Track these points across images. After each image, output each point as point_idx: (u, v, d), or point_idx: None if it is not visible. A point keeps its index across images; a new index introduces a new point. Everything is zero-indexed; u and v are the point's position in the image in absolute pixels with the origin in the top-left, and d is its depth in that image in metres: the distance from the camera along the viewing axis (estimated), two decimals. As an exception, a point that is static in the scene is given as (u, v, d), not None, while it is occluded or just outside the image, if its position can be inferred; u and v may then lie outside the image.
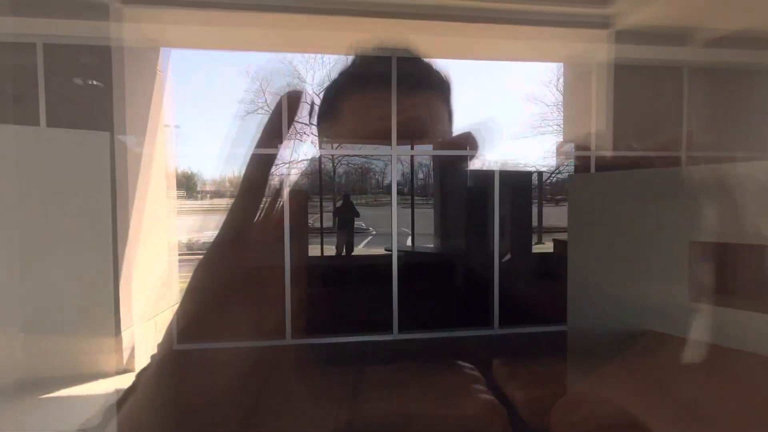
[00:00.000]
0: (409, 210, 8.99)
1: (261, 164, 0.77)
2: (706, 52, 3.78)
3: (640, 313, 2.35)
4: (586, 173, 3.96)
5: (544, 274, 6.21)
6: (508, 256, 6.39)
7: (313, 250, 8.26)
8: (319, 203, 9.10)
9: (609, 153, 3.83)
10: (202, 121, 5.82)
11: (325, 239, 8.79)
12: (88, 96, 4.04)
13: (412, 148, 8.46)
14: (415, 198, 9.54)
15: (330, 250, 8.47)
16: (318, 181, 9.69)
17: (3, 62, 3.22)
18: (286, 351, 3.32)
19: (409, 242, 8.82)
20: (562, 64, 4.15)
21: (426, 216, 9.56)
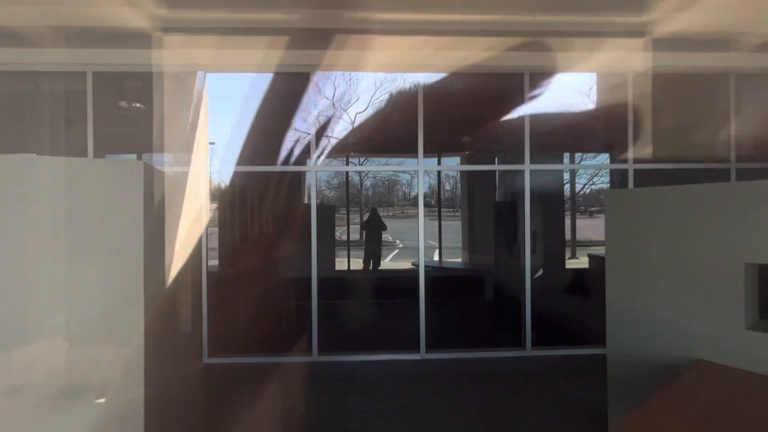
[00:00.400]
0: (436, 222, 8.91)
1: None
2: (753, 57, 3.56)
3: (689, 340, 2.17)
4: (625, 188, 3.76)
5: (578, 291, 5.90)
6: (540, 272, 6.16)
7: (340, 264, 8.33)
8: (346, 216, 9.21)
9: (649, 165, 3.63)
10: (236, 138, 6.04)
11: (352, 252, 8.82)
12: (131, 117, 4.35)
13: (439, 163, 8.43)
14: (443, 210, 9.45)
15: (357, 264, 8.49)
16: (345, 194, 9.85)
17: (57, 89, 3.53)
18: (314, 367, 3.29)
19: (436, 256, 8.70)
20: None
21: (454, 229, 9.42)
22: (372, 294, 6.67)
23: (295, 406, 2.84)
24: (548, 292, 5.75)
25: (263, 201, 7.16)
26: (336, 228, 8.59)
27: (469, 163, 8.34)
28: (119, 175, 1.18)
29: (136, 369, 1.22)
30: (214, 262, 5.30)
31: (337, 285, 7.27)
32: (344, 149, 8.03)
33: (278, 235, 7.57)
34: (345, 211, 9.22)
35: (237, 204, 6.06)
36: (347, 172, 9.07)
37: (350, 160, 8.31)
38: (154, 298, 1.35)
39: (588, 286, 5.65)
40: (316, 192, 3.54)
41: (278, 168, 5.67)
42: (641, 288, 2.27)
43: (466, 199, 8.89)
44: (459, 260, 8.79)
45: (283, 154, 7.86)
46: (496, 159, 8.48)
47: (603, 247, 2.55)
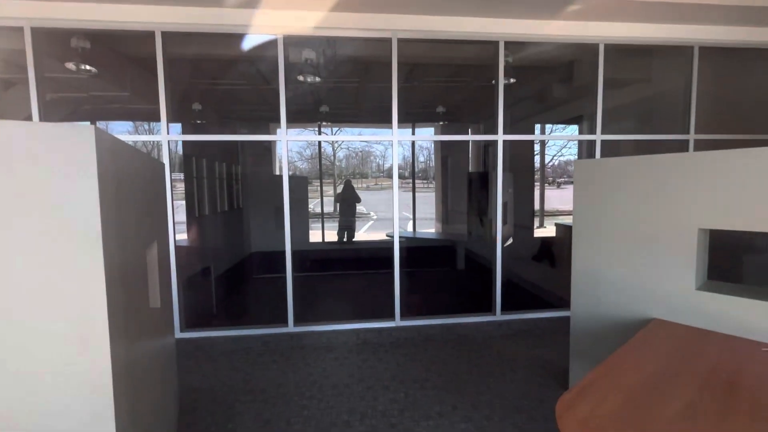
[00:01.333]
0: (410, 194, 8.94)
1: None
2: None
3: (645, 301, 2.32)
4: (592, 158, 3.86)
5: (546, 259, 6.17)
6: (510, 241, 6.37)
7: (315, 236, 8.26)
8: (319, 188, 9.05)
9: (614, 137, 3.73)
10: (202, 105, 5.71)
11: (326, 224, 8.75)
12: (80, 81, 4.02)
13: (413, 133, 8.34)
14: (417, 182, 9.47)
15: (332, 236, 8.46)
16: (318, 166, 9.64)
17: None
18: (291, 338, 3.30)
19: (410, 227, 8.80)
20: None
21: (428, 200, 9.51)
22: (347, 265, 6.71)
23: (273, 375, 2.88)
24: (518, 260, 5.99)
25: (233, 172, 6.90)
26: (310, 200, 8.48)
27: (443, 133, 8.33)
28: (68, 141, 1.08)
29: (101, 344, 1.17)
30: (183, 236, 5.12)
31: (312, 257, 7.26)
32: (316, 119, 7.79)
33: (249, 207, 7.37)
34: (318, 183, 9.06)
35: (204, 175, 5.81)
36: (319, 143, 8.84)
37: (322, 130, 8.08)
38: (116, 272, 1.28)
39: (555, 253, 5.91)
40: (288, 163, 3.42)
41: (247, 137, 5.44)
42: (604, 253, 2.40)
43: (441, 170, 8.94)
44: (433, 230, 8.94)
45: (251, 122, 7.54)
46: (469, 130, 8.51)
47: (569, 217, 2.64)
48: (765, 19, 3.51)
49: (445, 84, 5.53)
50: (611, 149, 3.78)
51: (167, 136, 3.23)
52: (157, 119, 3.23)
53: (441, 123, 8.24)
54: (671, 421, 1.17)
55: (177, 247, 3.37)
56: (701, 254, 2.06)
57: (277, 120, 3.32)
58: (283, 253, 3.37)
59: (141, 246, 1.66)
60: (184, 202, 5.42)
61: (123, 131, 5.91)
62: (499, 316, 3.66)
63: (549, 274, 5.42)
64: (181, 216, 5.39)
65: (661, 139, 3.83)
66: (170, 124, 3.27)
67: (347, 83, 5.35)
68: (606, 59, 3.61)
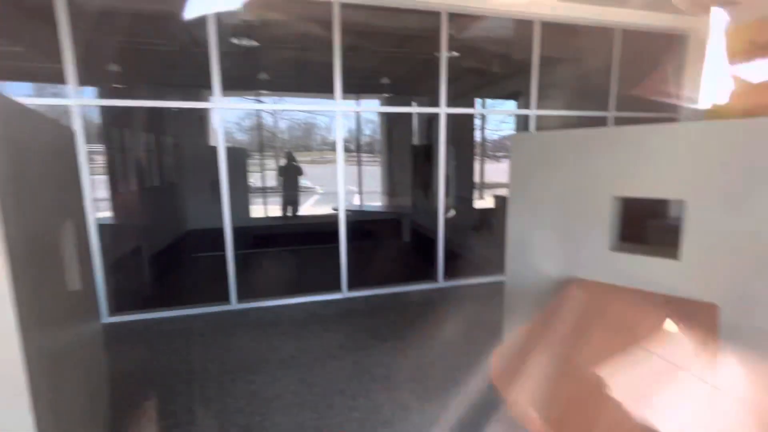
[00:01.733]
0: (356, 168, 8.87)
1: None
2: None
3: (567, 262, 2.55)
4: (527, 132, 4.08)
5: (486, 228, 6.53)
6: (452, 212, 6.64)
7: (258, 211, 7.94)
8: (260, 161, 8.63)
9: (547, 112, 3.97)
10: (124, 67, 5.06)
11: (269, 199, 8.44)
12: None
13: (357, 103, 8.19)
14: (362, 155, 9.39)
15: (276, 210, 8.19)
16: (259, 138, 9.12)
17: None
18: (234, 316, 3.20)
19: (357, 200, 8.79)
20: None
21: (373, 173, 9.51)
22: (292, 240, 6.59)
23: (216, 354, 2.80)
24: (460, 230, 6.29)
25: (163, 143, 6.32)
26: (251, 174, 8.08)
27: (388, 106, 8.27)
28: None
29: (8, 330, 1.05)
30: (107, 214, 4.65)
31: (255, 233, 7.01)
32: (255, 87, 7.32)
33: (184, 181, 6.85)
34: (259, 156, 8.64)
35: (130, 147, 5.26)
36: (259, 112, 8.37)
37: (261, 99, 7.63)
38: (20, 250, 1.14)
39: (493, 223, 6.29)
40: (225, 134, 3.20)
41: (175, 104, 4.97)
42: (534, 220, 2.59)
43: (385, 143, 8.94)
44: (379, 204, 9.03)
45: (182, 89, 6.89)
46: (414, 103, 8.55)
47: (506, 189, 2.79)
48: (677, 9, 3.87)
49: (389, 55, 5.44)
50: (545, 124, 4.03)
51: (77, 100, 2.85)
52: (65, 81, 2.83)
53: (386, 95, 8.17)
54: (587, 362, 1.34)
55: (100, 226, 3.06)
56: (614, 220, 2.31)
57: (211, 86, 3.07)
58: (221, 229, 3.21)
59: (51, 223, 1.48)
60: (107, 177, 4.89)
61: (24, 95, 5.09)
62: (441, 283, 3.85)
63: (488, 243, 5.77)
64: (104, 192, 4.87)
65: (587, 115, 4.15)
66: (83, 88, 2.88)
67: (287, 49, 5.05)
68: (541, 37, 3.77)
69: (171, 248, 5.87)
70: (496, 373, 1.29)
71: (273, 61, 5.75)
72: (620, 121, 4.15)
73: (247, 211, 7.52)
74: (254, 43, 4.50)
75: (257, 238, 6.69)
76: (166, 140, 6.51)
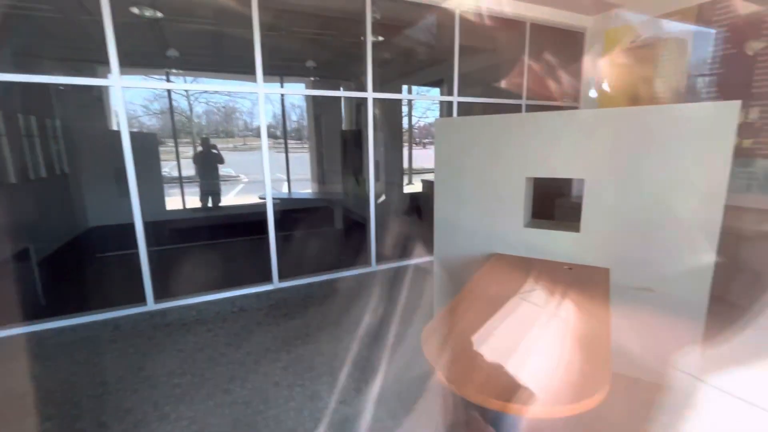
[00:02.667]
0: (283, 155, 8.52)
1: None
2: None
3: (488, 239, 2.75)
4: (450, 117, 4.25)
5: (415, 212, 6.75)
6: (382, 197, 6.74)
7: (174, 203, 7.25)
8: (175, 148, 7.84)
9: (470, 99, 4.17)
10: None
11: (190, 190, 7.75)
12: None
13: (281, 86, 7.81)
14: (290, 142, 9.03)
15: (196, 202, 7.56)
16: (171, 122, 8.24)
17: None
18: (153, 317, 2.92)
19: (285, 188, 8.47)
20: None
21: (302, 160, 9.23)
22: (216, 232, 6.16)
23: (132, 360, 2.53)
24: (390, 215, 6.41)
25: (49, 127, 5.41)
26: (164, 162, 7.31)
27: (314, 88, 8.02)
28: None
29: None
30: (-24, 211, 3.89)
31: (171, 226, 6.41)
32: (163, 65, 6.58)
33: (80, 172, 5.98)
34: (173, 143, 7.85)
35: (1, 131, 4.41)
36: (169, 94, 7.57)
37: (172, 78, 6.90)
38: None
39: (422, 207, 6.52)
40: (127, 116, 2.84)
41: (66, 79, 4.29)
42: (459, 201, 2.74)
43: (314, 129, 8.70)
44: (309, 191, 8.81)
45: (70, 63, 5.95)
46: (341, 87, 8.41)
47: (433, 174, 2.90)
48: (578, 7, 4.29)
49: (314, 36, 5.25)
50: (467, 110, 4.24)
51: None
52: None
53: (312, 79, 7.91)
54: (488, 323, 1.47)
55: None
56: (527, 198, 2.53)
57: (107, 62, 2.68)
58: (133, 225, 2.88)
59: None
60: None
61: None
62: (374, 267, 3.91)
63: (418, 226, 5.99)
64: (-30, 185, 4.04)
65: (503, 102, 4.46)
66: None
67: (199, 23, 4.61)
68: (461, 27, 3.93)
69: (68, 249, 5.13)
70: (426, 348, 1.36)
71: (184, 36, 5.21)
72: (531, 109, 4.53)
73: (162, 203, 6.84)
74: (158, 14, 4.02)
75: (175, 232, 6.14)
76: (54, 124, 5.59)
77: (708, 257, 2.01)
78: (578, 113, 2.28)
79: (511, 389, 1.10)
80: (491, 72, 5.01)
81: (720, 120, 1.89)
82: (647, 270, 2.16)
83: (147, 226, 2.95)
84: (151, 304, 3.04)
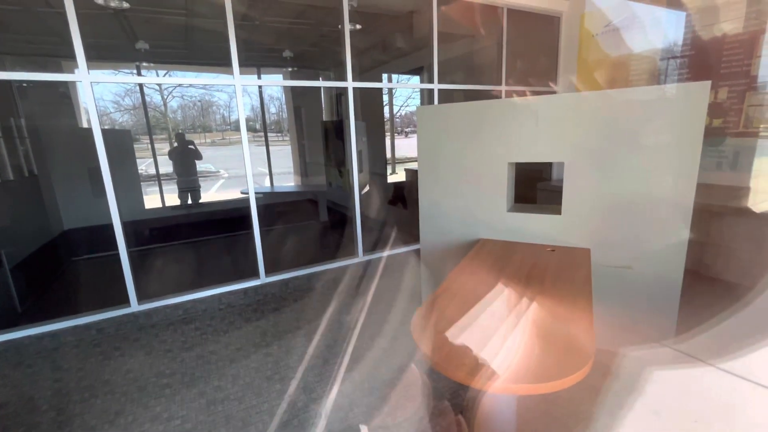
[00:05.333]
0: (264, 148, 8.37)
1: None
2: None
3: (473, 225, 2.78)
4: (432, 105, 4.24)
5: (400, 201, 6.75)
6: (366, 188, 6.72)
7: (152, 201, 7.06)
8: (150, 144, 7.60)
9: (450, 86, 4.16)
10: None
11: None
12: None
13: (259, 77, 7.62)
14: (270, 135, 8.86)
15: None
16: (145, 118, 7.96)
17: None
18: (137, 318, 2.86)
19: (267, 182, 8.35)
20: None
21: (284, 154, 9.09)
22: (198, 230, 6.03)
23: (117, 363, 2.49)
24: (375, 205, 6.41)
25: (13, 126, 5.16)
26: (140, 160, 7.08)
27: (293, 79, 7.87)
28: None
29: None
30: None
31: (151, 225, 6.24)
32: (133, 58, 6.32)
33: (50, 172, 5.73)
34: (149, 140, 7.60)
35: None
36: (142, 88, 7.30)
37: (143, 72, 6.65)
38: None
39: (406, 195, 6.53)
40: (98, 113, 2.73)
41: (30, 75, 4.06)
42: (443, 188, 2.76)
43: (294, 121, 8.56)
44: (292, 184, 8.70)
45: (32, 58, 5.66)
46: (320, 77, 8.27)
47: (416, 163, 2.90)
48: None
49: (291, 25, 5.13)
50: (448, 97, 4.24)
51: None
52: None
53: (290, 69, 7.74)
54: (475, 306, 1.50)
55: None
56: (510, 183, 2.57)
57: (74, 56, 2.56)
58: (111, 226, 2.79)
59: None
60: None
61: None
62: (361, 257, 3.92)
63: (403, 215, 6.00)
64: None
65: (483, 89, 4.47)
66: None
67: (170, 15, 4.43)
68: (439, 13, 3.90)
69: (41, 254, 4.95)
70: (416, 334, 1.38)
71: (154, 26, 5.01)
72: (511, 94, 4.57)
73: (140, 202, 6.64)
74: (125, 4, 3.84)
75: (156, 231, 5.98)
76: (19, 123, 5.33)
77: (682, 234, 2.09)
78: (555, 98, 2.31)
79: (494, 370, 1.13)
80: (471, 58, 5.01)
81: (691, 100, 1.95)
82: (626, 249, 2.23)
83: (126, 226, 2.87)
84: (134, 306, 2.97)
